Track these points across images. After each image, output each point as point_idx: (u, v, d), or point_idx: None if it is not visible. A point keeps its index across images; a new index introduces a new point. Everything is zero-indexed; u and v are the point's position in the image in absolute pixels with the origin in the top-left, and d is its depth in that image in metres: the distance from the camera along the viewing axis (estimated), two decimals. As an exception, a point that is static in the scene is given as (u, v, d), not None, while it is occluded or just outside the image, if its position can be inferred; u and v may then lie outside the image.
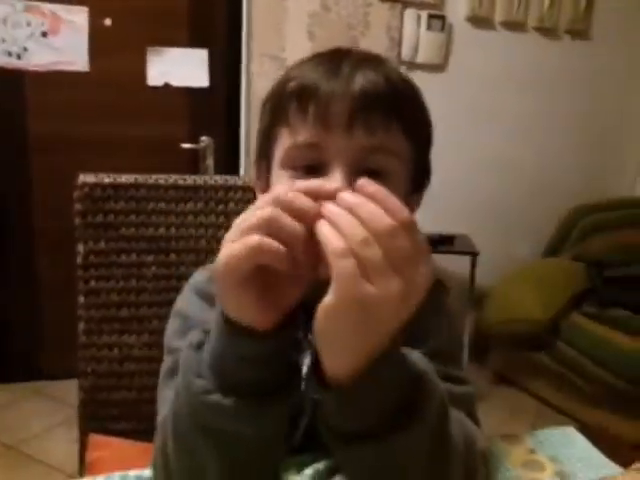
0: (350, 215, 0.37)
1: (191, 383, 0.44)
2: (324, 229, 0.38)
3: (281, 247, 0.38)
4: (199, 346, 0.45)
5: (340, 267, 0.36)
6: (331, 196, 0.39)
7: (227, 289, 0.41)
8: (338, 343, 0.40)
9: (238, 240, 0.39)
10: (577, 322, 2.14)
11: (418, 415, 0.42)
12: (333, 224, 0.38)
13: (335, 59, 0.56)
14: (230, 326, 0.42)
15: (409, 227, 0.38)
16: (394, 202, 0.38)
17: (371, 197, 0.38)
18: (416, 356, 0.45)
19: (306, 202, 0.39)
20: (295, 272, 0.40)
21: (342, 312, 0.37)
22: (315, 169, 0.53)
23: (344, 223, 0.37)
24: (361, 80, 0.53)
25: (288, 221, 0.38)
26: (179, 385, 0.46)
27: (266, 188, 0.60)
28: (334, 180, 0.51)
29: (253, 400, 0.43)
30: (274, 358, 0.43)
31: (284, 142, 0.55)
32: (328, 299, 0.37)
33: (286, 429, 0.47)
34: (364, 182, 0.39)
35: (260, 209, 0.39)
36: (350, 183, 0.51)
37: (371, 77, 0.53)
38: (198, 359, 0.45)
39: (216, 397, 0.43)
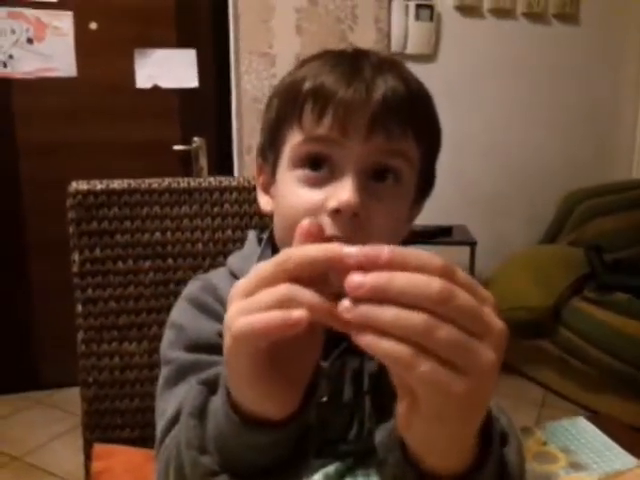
0: (391, 306, 0.29)
1: (196, 461, 0.41)
2: (376, 343, 0.29)
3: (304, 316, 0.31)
4: (201, 413, 0.41)
5: (417, 372, 0.29)
6: (339, 259, 0.31)
7: (241, 375, 0.35)
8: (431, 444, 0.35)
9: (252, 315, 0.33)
10: (578, 307, 2.14)
11: None
12: (380, 328, 0.29)
13: (354, 61, 0.53)
14: (240, 416, 0.38)
15: (451, 274, 0.30)
16: (419, 256, 0.30)
17: (390, 264, 0.29)
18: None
19: (318, 260, 0.32)
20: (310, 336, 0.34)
21: (432, 417, 0.32)
22: (323, 166, 0.51)
23: (389, 321, 0.28)
24: (382, 86, 0.50)
25: (307, 296, 0.32)
26: (184, 457, 0.42)
27: (270, 184, 0.59)
28: (345, 187, 0.48)
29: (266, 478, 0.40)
30: (292, 441, 0.39)
31: (295, 140, 0.53)
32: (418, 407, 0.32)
33: None
34: (374, 250, 0.29)
35: (270, 287, 0.32)
36: (362, 190, 0.49)
37: (391, 83, 0.51)
38: (200, 433, 0.41)
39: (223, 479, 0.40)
